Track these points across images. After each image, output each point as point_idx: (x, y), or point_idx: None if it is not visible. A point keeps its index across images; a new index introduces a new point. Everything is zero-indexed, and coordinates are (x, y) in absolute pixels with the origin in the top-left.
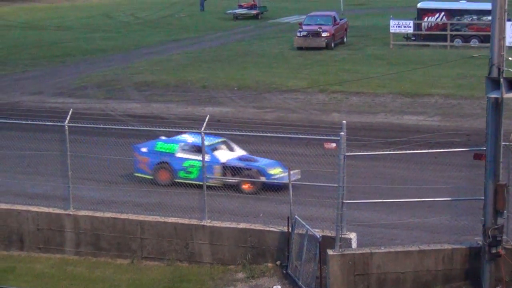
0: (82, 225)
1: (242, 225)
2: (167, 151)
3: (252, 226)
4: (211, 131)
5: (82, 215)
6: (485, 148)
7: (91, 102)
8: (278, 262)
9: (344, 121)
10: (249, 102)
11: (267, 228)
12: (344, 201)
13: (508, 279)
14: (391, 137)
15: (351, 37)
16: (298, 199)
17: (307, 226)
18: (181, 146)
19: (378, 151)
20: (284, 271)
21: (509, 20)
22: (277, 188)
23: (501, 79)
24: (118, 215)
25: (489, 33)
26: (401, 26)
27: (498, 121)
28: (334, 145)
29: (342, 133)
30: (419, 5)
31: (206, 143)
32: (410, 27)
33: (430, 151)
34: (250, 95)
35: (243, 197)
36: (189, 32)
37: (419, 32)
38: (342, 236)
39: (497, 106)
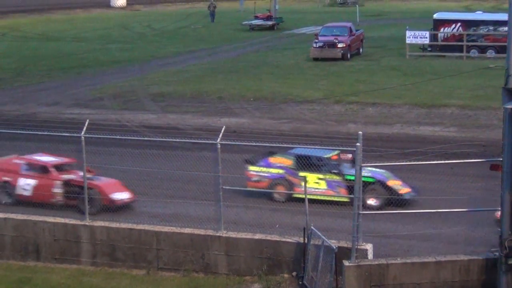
0: (98, 236)
1: (258, 236)
2: None
3: (268, 237)
4: (227, 142)
5: (98, 226)
6: (501, 159)
7: (107, 113)
8: (294, 273)
9: (360, 132)
10: (265, 113)
11: (283, 239)
12: (360, 212)
13: None
14: (407, 148)
15: (367, 48)
16: (314, 210)
17: (323, 237)
18: None
19: (394, 162)
20: (300, 282)
21: None
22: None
23: None
24: (134, 226)
25: (505, 43)
26: (417, 37)
27: None
28: (350, 156)
29: (358, 144)
30: (435, 16)
31: None
32: (426, 38)
33: (446, 162)
34: (266, 106)
35: (259, 208)
36: (205, 43)
37: (435, 43)
38: (358, 247)
39: None
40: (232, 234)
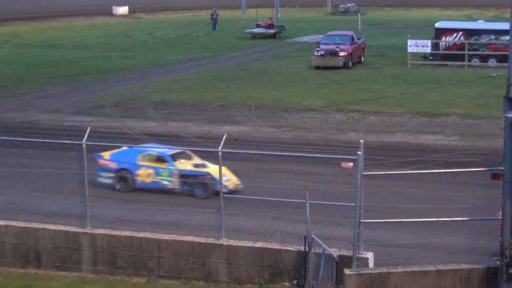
0: (99, 244)
1: (259, 244)
2: None
3: (269, 245)
4: (228, 150)
5: (99, 234)
6: (502, 168)
7: (108, 121)
8: (294, 282)
9: (362, 141)
10: (267, 121)
11: (284, 247)
12: (361, 220)
13: None
14: (409, 157)
15: (368, 56)
16: (315, 218)
17: (324, 245)
18: None
19: (396, 171)
20: None
21: None
22: None
23: None
24: (135, 234)
25: (507, 53)
26: (419, 45)
27: None
28: (351, 164)
29: (359, 152)
30: (437, 24)
31: None
32: (428, 46)
33: (447, 170)
34: (268, 114)
35: (260, 216)
36: (207, 51)
37: (437, 52)
38: (359, 255)
39: None
40: (233, 242)
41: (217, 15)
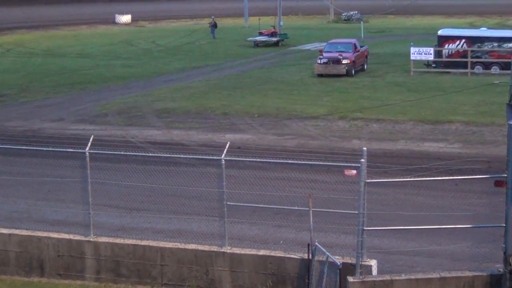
0: (103, 252)
1: (262, 252)
2: None
3: (272, 253)
4: (231, 158)
5: (102, 242)
6: (506, 175)
7: (112, 129)
8: None
9: (365, 148)
10: (270, 129)
11: (287, 255)
12: (365, 228)
13: None
14: (412, 164)
15: (371, 64)
16: (319, 226)
17: (327, 253)
18: None
19: (399, 178)
20: None
21: None
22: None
23: None
24: (139, 242)
25: (509, 60)
26: (422, 53)
27: None
28: (354, 172)
29: (362, 160)
30: (440, 32)
31: None
32: (431, 54)
33: (450, 178)
34: (271, 122)
35: (263, 223)
36: (210, 59)
37: (440, 59)
38: (363, 263)
39: None
40: (237, 250)
41: (214, 23)
